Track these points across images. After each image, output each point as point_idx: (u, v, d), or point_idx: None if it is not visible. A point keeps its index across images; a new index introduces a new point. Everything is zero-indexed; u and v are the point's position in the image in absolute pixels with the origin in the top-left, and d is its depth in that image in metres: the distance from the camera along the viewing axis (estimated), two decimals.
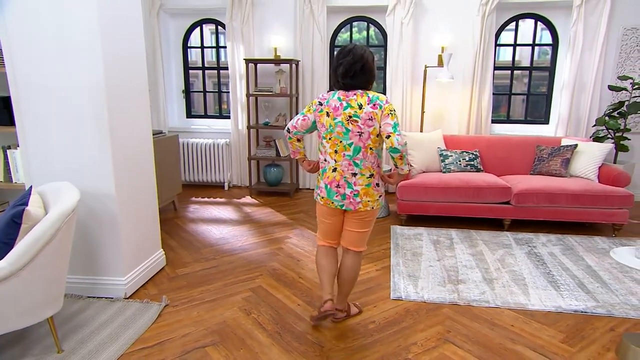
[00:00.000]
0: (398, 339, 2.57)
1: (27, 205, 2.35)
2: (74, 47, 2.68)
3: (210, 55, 6.26)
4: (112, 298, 2.99)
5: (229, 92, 5.90)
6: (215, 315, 2.81)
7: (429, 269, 3.49)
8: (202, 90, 6.31)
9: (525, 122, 5.70)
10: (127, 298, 3.01)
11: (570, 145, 4.62)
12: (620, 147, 4.78)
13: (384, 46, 5.74)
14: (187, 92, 6.31)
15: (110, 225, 2.93)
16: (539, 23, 5.40)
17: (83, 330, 2.62)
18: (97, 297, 2.99)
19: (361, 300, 2.99)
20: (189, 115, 6.39)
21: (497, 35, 5.44)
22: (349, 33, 5.82)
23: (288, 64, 5.45)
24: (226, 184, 6.07)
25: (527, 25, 5.49)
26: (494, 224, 4.55)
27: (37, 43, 2.70)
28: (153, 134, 4.58)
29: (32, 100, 2.78)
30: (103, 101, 2.73)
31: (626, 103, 4.80)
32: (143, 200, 3.24)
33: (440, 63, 5.21)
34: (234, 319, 2.77)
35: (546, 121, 5.62)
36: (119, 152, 2.91)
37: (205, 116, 6.38)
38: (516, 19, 5.40)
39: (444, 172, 4.76)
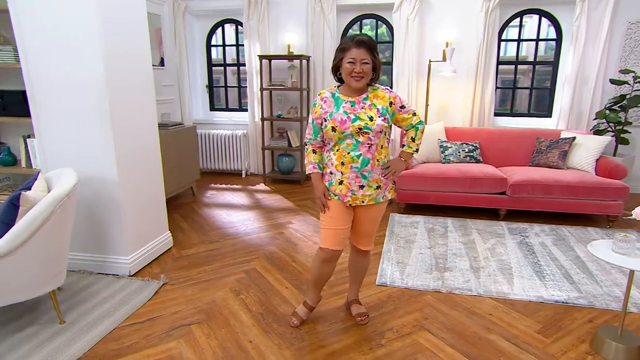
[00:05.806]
0: (375, 324, 2.46)
1: (30, 189, 2.35)
2: (76, 46, 2.65)
3: (233, 52, 6.20)
4: (118, 275, 2.99)
5: (247, 86, 5.83)
6: (207, 295, 2.76)
7: (418, 256, 3.34)
8: (224, 85, 6.27)
9: (529, 115, 5.36)
10: (131, 276, 3.00)
11: (568, 138, 4.31)
12: (620, 140, 4.42)
13: (391, 42, 5.51)
14: (211, 87, 6.28)
15: (115, 209, 2.91)
16: (544, 19, 5.03)
17: (86, 304, 2.63)
18: (106, 274, 3.00)
19: (347, 285, 2.87)
20: (212, 108, 6.37)
21: (502, 31, 5.12)
22: (359, 30, 5.61)
23: (299, 60, 5.32)
24: (244, 172, 6.03)
25: (533, 21, 5.12)
26: (491, 214, 4.31)
27: (44, 40, 2.68)
28: (172, 125, 4.57)
29: (43, 94, 2.78)
30: (104, 96, 2.70)
31: (627, 96, 4.41)
32: (148, 187, 3.21)
33: (444, 58, 4.96)
34: (223, 299, 2.72)
35: (549, 114, 5.27)
36: (122, 143, 2.87)
37: (227, 109, 6.34)
38: (520, 15, 5.06)
39: (444, 163, 4.55)
